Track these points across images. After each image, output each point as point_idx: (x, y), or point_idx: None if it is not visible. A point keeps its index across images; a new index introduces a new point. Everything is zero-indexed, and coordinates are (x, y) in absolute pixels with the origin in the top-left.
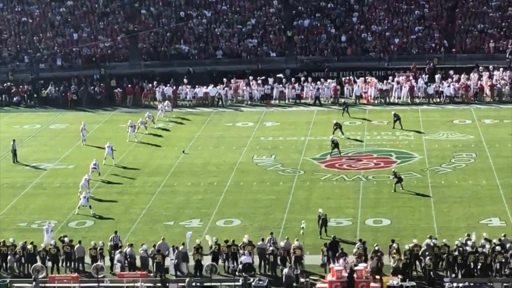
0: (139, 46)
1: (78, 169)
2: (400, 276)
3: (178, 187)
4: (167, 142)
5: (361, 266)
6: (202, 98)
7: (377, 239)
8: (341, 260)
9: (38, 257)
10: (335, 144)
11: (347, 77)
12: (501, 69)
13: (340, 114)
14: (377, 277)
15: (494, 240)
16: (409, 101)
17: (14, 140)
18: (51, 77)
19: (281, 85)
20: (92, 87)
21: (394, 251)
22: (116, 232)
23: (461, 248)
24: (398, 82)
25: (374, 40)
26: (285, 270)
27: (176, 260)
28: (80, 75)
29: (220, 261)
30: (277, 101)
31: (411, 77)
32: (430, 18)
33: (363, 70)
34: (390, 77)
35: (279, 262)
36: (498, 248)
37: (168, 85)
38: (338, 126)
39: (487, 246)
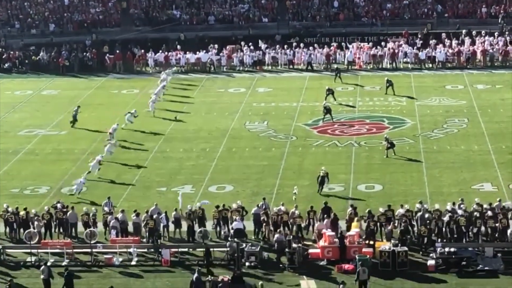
0: (130, 12)
1: (70, 135)
2: (392, 241)
3: (171, 153)
4: (159, 108)
5: (353, 231)
6: (194, 64)
7: (369, 205)
8: (325, 221)
9: (30, 223)
10: (327, 110)
11: (335, 44)
12: (496, 33)
13: (332, 80)
14: (370, 242)
15: (485, 205)
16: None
17: None
18: (42, 43)
19: (273, 51)
20: (83, 53)
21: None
22: (109, 198)
23: (451, 213)
24: (389, 48)
25: (367, 6)
26: (277, 236)
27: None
28: (72, 41)
29: (211, 227)
30: (269, 67)
31: (401, 42)
32: None
33: (355, 35)
34: (383, 43)
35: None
36: (489, 213)
37: (160, 51)
38: (330, 92)
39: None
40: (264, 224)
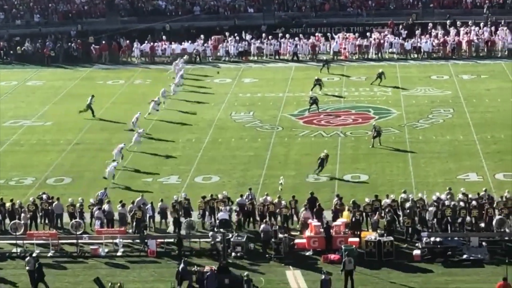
0: (116, 2)
1: (55, 126)
2: (378, 231)
3: (157, 144)
4: (145, 98)
5: (339, 221)
6: (180, 54)
7: (355, 195)
8: (305, 210)
9: (17, 214)
10: (313, 101)
11: (320, 35)
12: (481, 24)
13: (319, 70)
14: (356, 232)
15: (470, 195)
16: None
17: None
18: (27, 34)
19: (258, 41)
20: (69, 44)
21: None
22: (105, 188)
23: (436, 203)
24: (375, 38)
25: None
26: (262, 226)
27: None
28: (57, 31)
29: (197, 217)
30: (255, 57)
31: (387, 33)
32: None
33: (340, 26)
34: (368, 33)
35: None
36: (473, 203)
37: (146, 41)
38: (318, 82)
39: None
40: (238, 214)
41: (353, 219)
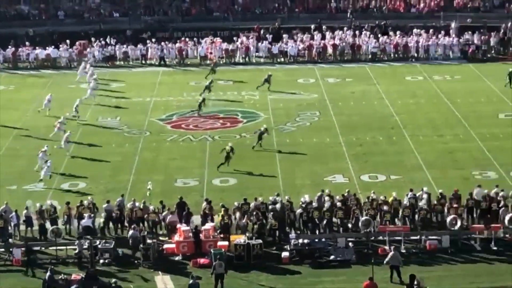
0: None
1: None
2: (247, 234)
3: (21, 151)
4: (9, 104)
5: (208, 225)
6: (44, 59)
7: (224, 199)
8: (171, 216)
9: None
10: (201, 103)
11: (186, 39)
12: (345, 28)
13: (186, 74)
14: (225, 235)
15: (338, 196)
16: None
17: None
18: None
19: (124, 46)
20: None
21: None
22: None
23: (303, 204)
24: (241, 42)
25: (218, 0)
26: (130, 232)
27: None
28: None
29: (60, 224)
30: (121, 62)
31: (251, 37)
32: None
33: (207, 30)
34: (235, 37)
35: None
36: (338, 204)
37: (9, 46)
38: (207, 87)
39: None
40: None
41: (222, 223)
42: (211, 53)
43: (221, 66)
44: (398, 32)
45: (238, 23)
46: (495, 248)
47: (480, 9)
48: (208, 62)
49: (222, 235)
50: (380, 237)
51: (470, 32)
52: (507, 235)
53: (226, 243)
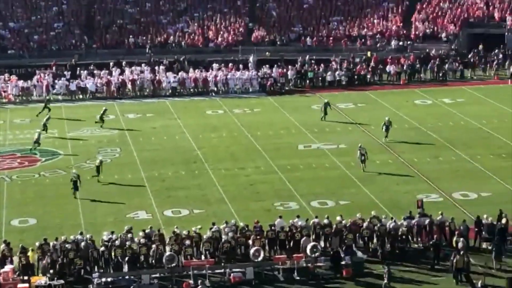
0: None
1: None
2: (48, 275)
3: None
4: None
5: (7, 267)
6: None
7: (23, 240)
8: None
9: None
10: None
11: None
12: (142, 64)
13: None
14: (25, 277)
15: (140, 233)
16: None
17: None
18: None
19: None
20: None
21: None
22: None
23: (107, 242)
24: (38, 80)
25: (13, 37)
26: None
27: None
28: None
29: None
30: None
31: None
32: (69, 14)
33: (2, 68)
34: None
35: None
36: (143, 240)
37: None
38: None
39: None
40: None
41: (21, 264)
42: (5, 91)
43: (17, 104)
44: (197, 67)
45: (34, 60)
46: (297, 277)
47: (277, 43)
48: (4, 100)
49: (22, 277)
50: (185, 272)
51: (268, 66)
52: (309, 264)
53: (26, 285)
